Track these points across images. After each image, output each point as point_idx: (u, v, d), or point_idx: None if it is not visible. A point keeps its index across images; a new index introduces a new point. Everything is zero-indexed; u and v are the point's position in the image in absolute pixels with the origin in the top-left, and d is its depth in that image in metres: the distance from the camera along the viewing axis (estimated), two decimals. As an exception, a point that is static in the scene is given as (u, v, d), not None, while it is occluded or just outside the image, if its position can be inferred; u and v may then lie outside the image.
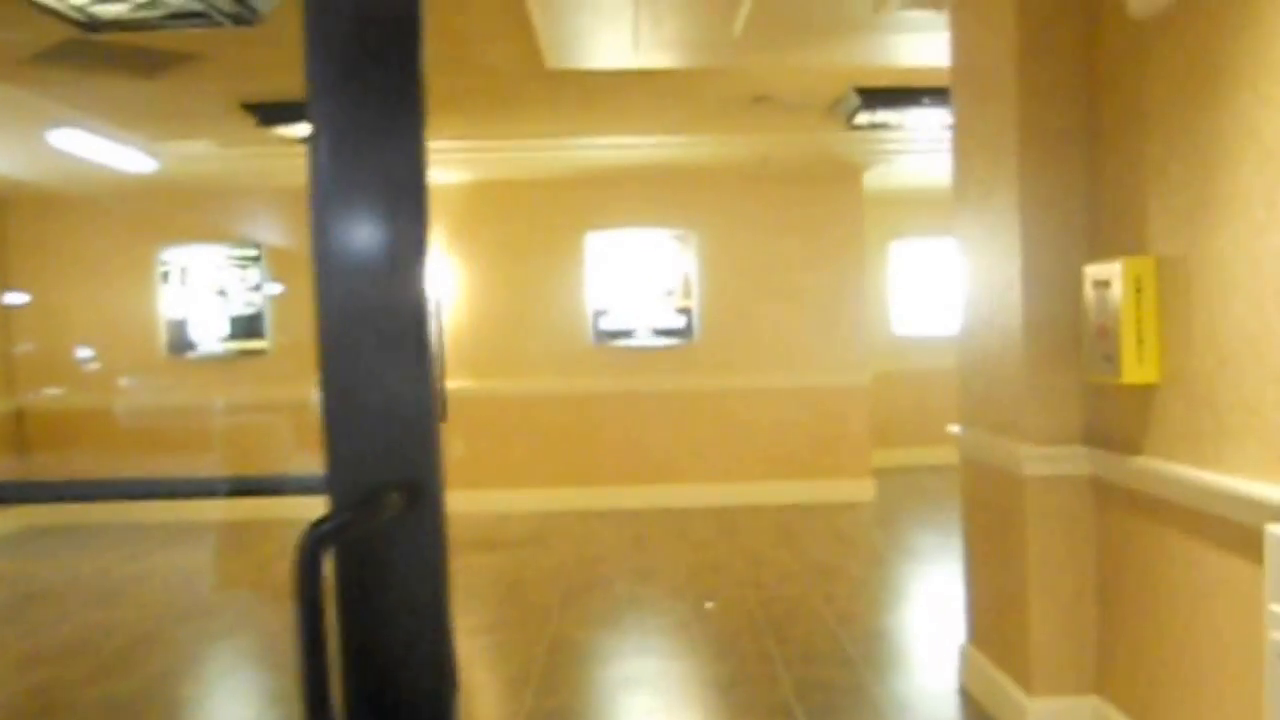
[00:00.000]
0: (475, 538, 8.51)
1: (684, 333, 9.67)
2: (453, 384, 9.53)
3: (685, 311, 9.68)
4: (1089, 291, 3.64)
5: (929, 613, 6.02)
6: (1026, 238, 3.89)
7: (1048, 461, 3.91)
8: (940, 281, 11.56)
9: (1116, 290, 3.43)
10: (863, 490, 9.54)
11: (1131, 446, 3.57)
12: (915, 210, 11.43)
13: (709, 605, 6.25)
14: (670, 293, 9.73)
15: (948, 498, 9.75)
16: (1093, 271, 3.62)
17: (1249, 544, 2.90)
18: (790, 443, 9.56)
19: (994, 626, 4.42)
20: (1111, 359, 3.47)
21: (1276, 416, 2.77)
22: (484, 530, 8.80)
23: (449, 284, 9.65)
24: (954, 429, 4.78)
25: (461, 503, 9.65)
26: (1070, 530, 3.94)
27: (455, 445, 9.50)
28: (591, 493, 9.56)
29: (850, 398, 9.59)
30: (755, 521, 8.74)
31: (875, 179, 10.02)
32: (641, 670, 5.25)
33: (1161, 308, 3.35)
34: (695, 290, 9.67)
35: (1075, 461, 3.89)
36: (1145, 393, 3.46)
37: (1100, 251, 3.73)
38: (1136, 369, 3.38)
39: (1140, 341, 3.37)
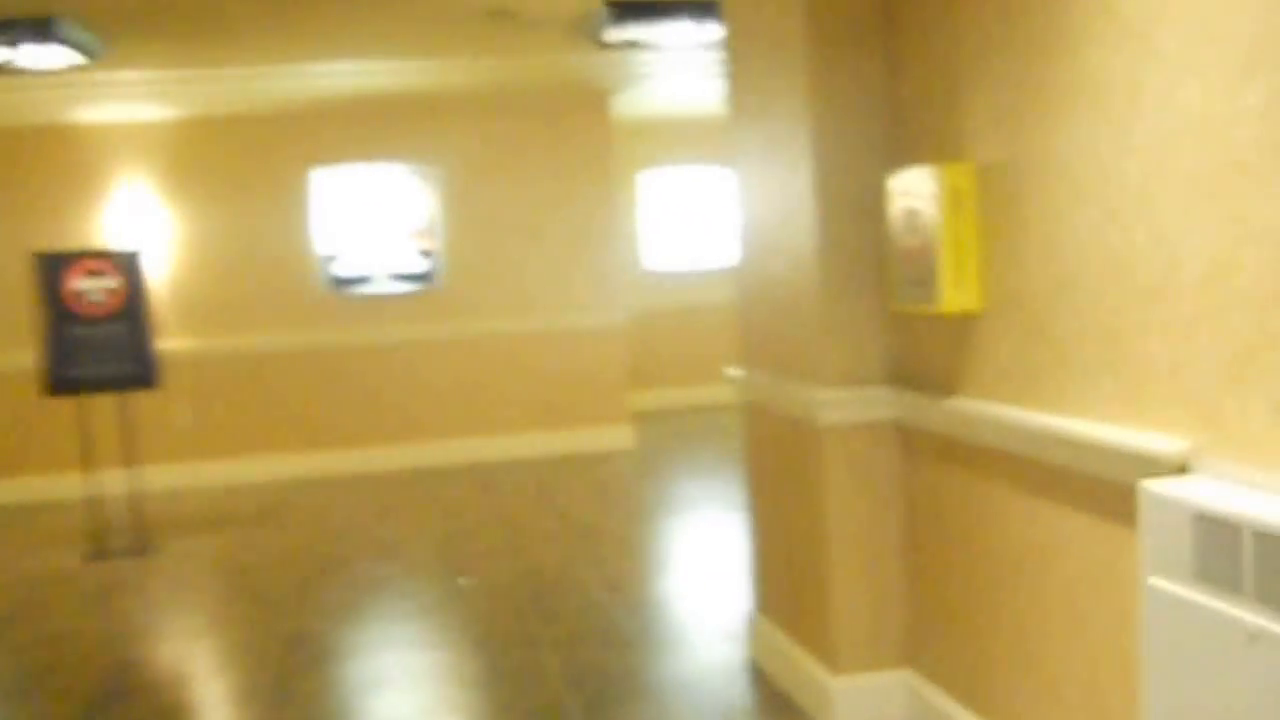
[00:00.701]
0: (200, 516, 7.48)
1: (427, 277, 8.84)
2: (171, 344, 8.38)
3: (428, 254, 8.84)
4: (895, 207, 3.11)
5: (706, 576, 5.51)
6: (818, 148, 3.33)
7: (847, 406, 3.40)
8: (697, 212, 11.13)
9: (929, 204, 2.91)
10: (621, 437, 9.02)
11: (948, 386, 3.09)
12: (667, 138, 10.92)
13: (464, 582, 5.55)
14: (411, 234, 8.85)
15: (711, 441, 9.50)
16: (899, 183, 3.09)
17: (1102, 499, 2.44)
18: (544, 391, 8.92)
19: (787, 594, 3.92)
20: (925, 285, 2.95)
21: (1143, 346, 2.30)
22: (211, 507, 7.77)
23: (159, 233, 8.44)
24: (733, 372, 4.22)
25: (186, 477, 8.54)
26: (874, 483, 3.45)
27: (178, 413, 8.38)
28: (332, 457, 8.64)
29: (604, 340, 9.02)
30: (511, 478, 8.07)
31: (624, 105, 9.42)
32: (390, 667, 4.51)
33: (984, 223, 2.85)
34: (438, 231, 8.83)
35: (879, 405, 3.39)
36: (965, 324, 2.97)
37: (907, 160, 3.21)
38: (956, 296, 2.88)
39: (959, 264, 2.87)
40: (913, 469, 3.36)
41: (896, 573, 3.47)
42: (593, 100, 8.89)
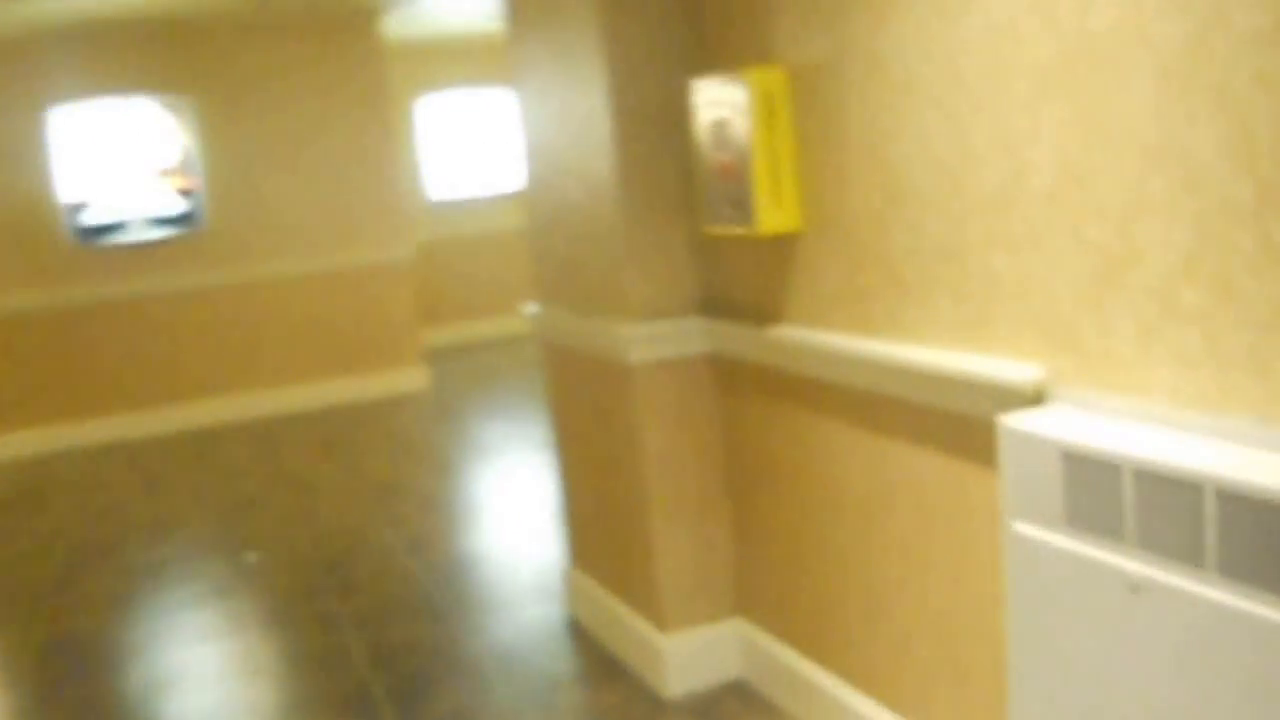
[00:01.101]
0: (-62, 506, 6.66)
1: (189, 219, 8.07)
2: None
3: (188, 194, 8.06)
4: (701, 119, 2.79)
5: (516, 530, 5.17)
6: (611, 55, 2.97)
7: (657, 341, 3.09)
8: (480, 137, 10.60)
9: (739, 115, 2.60)
10: (415, 379, 8.54)
11: (770, 315, 2.81)
12: (443, 60, 10.33)
13: (250, 558, 5.05)
14: (167, 173, 8.05)
15: (509, 378, 9.11)
16: (704, 92, 2.76)
17: (951, 435, 2.22)
18: (328, 336, 8.34)
19: (605, 547, 3.63)
20: (739, 205, 2.65)
21: (987, 263, 2.05)
22: (-48, 493, 6.94)
23: None
24: (529, 309, 3.86)
25: None
26: (692, 424, 3.17)
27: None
28: (95, 425, 7.86)
29: (390, 277, 8.48)
30: (297, 434, 7.52)
31: (395, 26, 8.79)
32: (172, 666, 4.01)
33: (802, 133, 2.56)
34: (197, 168, 8.06)
35: (692, 338, 3.10)
36: (785, 245, 2.69)
37: (712, 66, 2.89)
38: (773, 215, 2.59)
39: (775, 180, 2.58)
40: (734, 406, 3.09)
41: (722, 518, 3.22)
42: (359, 19, 8.23)
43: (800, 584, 2.91)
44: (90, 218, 7.86)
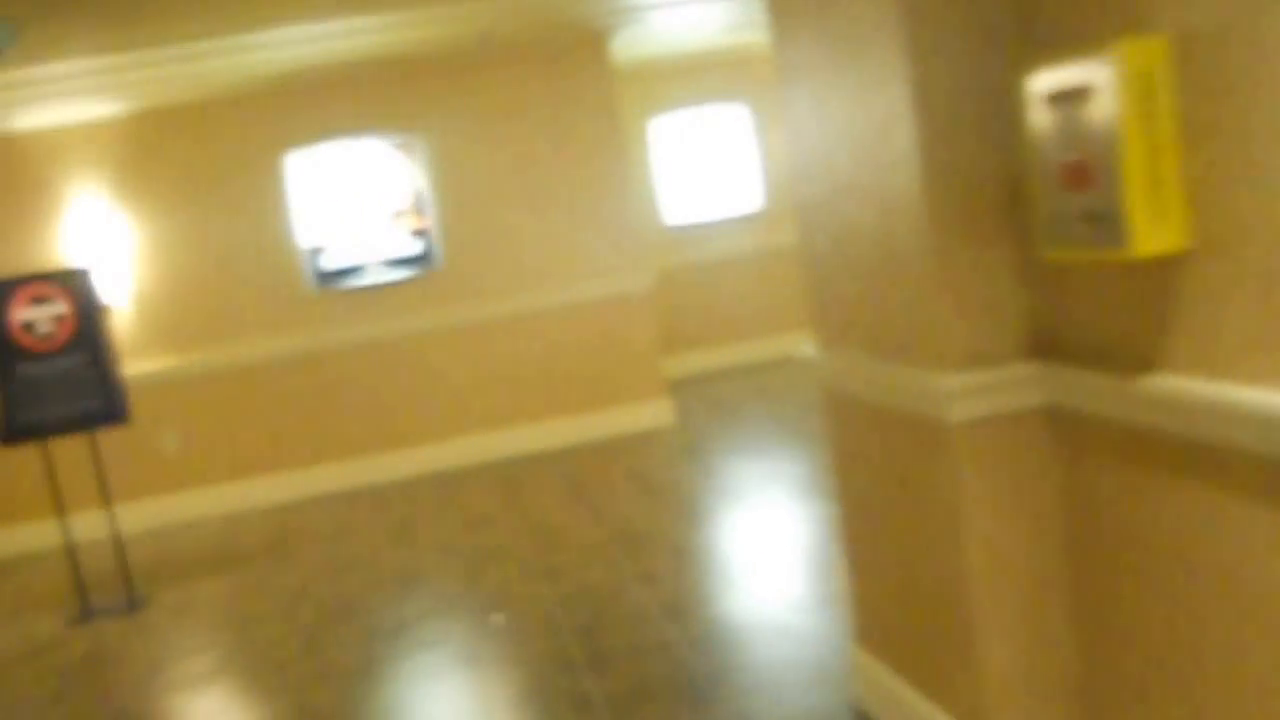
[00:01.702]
0: (195, 557, 6.66)
1: (424, 260, 7.95)
2: (147, 366, 7.55)
3: (422, 234, 7.94)
4: (1039, 114, 2.19)
5: (782, 591, 4.63)
6: (914, 45, 2.41)
7: (981, 394, 2.50)
8: (714, 157, 10.17)
9: (1102, 102, 1.99)
10: (660, 414, 8.14)
11: (1137, 360, 2.18)
12: (674, 78, 9.97)
13: (496, 620, 4.70)
14: (401, 214, 7.96)
15: (758, 409, 8.61)
16: (1047, 79, 2.17)
17: None
18: (569, 371, 8.04)
19: (904, 631, 3.05)
20: (1101, 219, 2.04)
21: None
22: (207, 543, 6.95)
23: (119, 245, 7.57)
24: (805, 352, 3.33)
25: (177, 510, 7.62)
26: (1025, 493, 2.56)
27: (164, 441, 7.57)
28: (338, 470, 7.81)
29: (631, 307, 8.12)
30: (540, 475, 7.22)
31: (624, 48, 8.47)
32: (413, 753, 3.68)
33: (1188, 124, 1.94)
34: (430, 207, 7.93)
35: (1025, 389, 2.50)
36: (1165, 269, 2.06)
37: (1051, 46, 2.29)
38: (1154, 231, 1.97)
39: (1156, 185, 1.96)
40: (1081, 473, 2.46)
41: (1063, 612, 2.59)
42: (588, 43, 7.93)
43: (1176, 708, 2.25)
44: (329, 262, 7.84)
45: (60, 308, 5.68)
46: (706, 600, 4.60)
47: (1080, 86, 2.04)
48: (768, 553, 5.08)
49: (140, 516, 7.52)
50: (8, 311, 5.62)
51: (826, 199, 3.00)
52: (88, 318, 5.72)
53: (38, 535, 7.23)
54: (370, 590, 5.41)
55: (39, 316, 5.66)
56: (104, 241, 7.49)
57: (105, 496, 5.84)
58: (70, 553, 5.83)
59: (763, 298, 10.24)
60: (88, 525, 6.84)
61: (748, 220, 10.21)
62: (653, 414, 8.12)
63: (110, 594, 5.95)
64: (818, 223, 3.11)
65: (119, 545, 5.89)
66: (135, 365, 7.51)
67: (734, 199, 10.19)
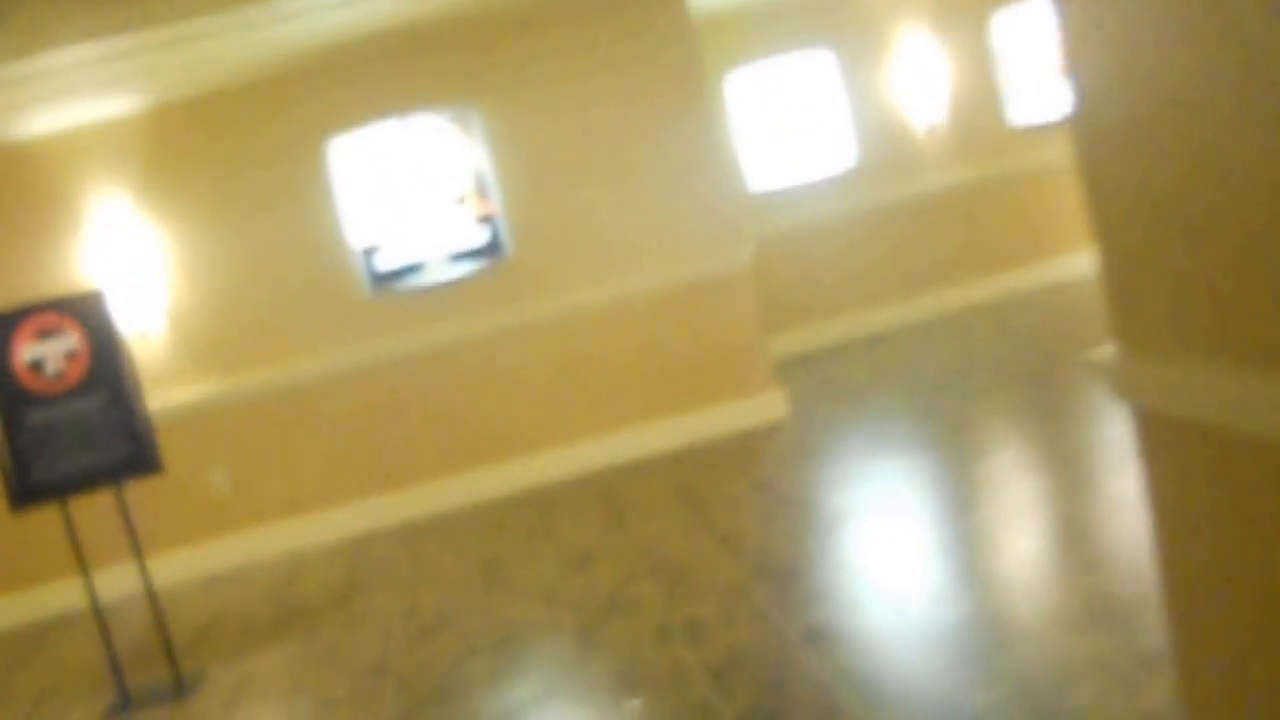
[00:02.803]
0: (252, 614, 5.74)
1: (492, 250, 6.95)
2: (186, 395, 6.64)
3: (488, 220, 6.94)
4: None
5: (1043, 652, 3.56)
6: None
7: None
8: (799, 112, 9.06)
9: None
10: (773, 406, 7.08)
11: None
12: (749, 26, 8.87)
13: (634, 705, 3.70)
14: (463, 200, 6.96)
15: (870, 395, 7.29)
16: None
17: None
18: (666, 365, 7.01)
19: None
20: None
21: None
22: (273, 590, 6.04)
23: (152, 259, 6.66)
24: (1105, 355, 2.26)
25: (238, 553, 5.60)
26: None
27: (214, 478, 6.67)
28: (412, 496, 6.86)
29: (730, 288, 7.06)
30: (647, 489, 6.21)
31: (700, -10, 7.41)
32: None
33: None
34: (495, 189, 6.93)
35: None
36: None
37: None
38: None
39: None
40: None
41: None
42: (660, -11, 6.88)
43: None
44: (385, 261, 6.87)
45: (71, 340, 4.75)
46: (881, 665, 3.55)
47: None
48: (969, 596, 4.00)
49: (188, 565, 6.62)
50: (11, 350, 4.70)
51: (1152, 120, 1.92)
52: (104, 350, 4.77)
53: (68, 595, 6.35)
54: (464, 662, 4.42)
55: (47, 353, 4.73)
56: (130, 256, 6.57)
57: (138, 554, 4.90)
58: (102, 624, 4.90)
59: (863, 264, 9.14)
60: (122, 582, 5.94)
61: (841, 180, 9.11)
62: (764, 408, 7.07)
63: (153, 670, 5.03)
64: (1128, 163, 2.02)
65: (158, 611, 4.95)
66: (172, 395, 6.60)
67: (823, 157, 9.08)
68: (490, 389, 6.92)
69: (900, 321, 9.15)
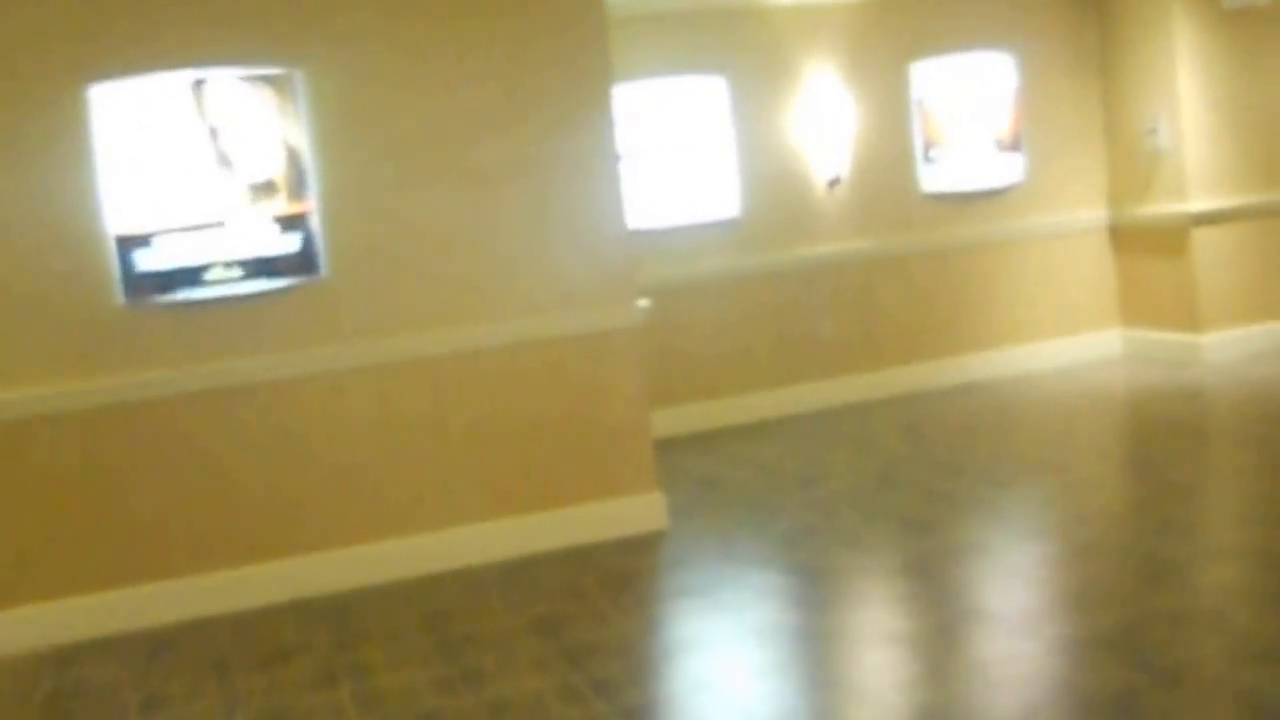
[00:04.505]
0: None
1: (301, 264, 5.10)
2: None
3: (298, 223, 5.10)
4: None
5: None
6: None
7: None
8: (685, 141, 7.59)
9: None
10: (652, 513, 5.49)
11: None
12: (637, 38, 7.38)
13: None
14: (267, 189, 5.09)
15: (761, 498, 5.86)
16: None
17: None
18: (519, 445, 5.31)
19: None
20: None
21: None
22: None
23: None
24: None
25: None
26: None
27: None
28: (152, 596, 4.89)
29: (613, 351, 5.45)
30: (494, 615, 4.49)
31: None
32: None
33: None
34: (313, 181, 5.10)
35: None
36: None
37: None
38: None
39: None
40: None
41: None
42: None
43: None
44: (150, 260, 4.91)
45: None
46: None
47: None
48: None
49: None
50: None
51: None
52: None
53: None
54: None
55: None
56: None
57: None
58: None
59: (740, 337, 7.73)
60: None
61: (718, 232, 7.69)
62: (642, 513, 5.48)
63: None
64: None
65: None
66: None
67: (701, 203, 7.65)
68: (278, 453, 5.05)
69: (783, 411, 7.75)
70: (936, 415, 7.34)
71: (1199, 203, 7.99)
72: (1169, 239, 8.16)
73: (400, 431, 5.15)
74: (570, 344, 5.36)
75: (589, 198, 5.39)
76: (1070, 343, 8.55)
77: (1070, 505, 5.29)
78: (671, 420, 7.30)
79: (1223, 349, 8.02)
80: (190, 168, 4.93)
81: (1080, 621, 3.91)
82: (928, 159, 8.07)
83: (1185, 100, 7.93)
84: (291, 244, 5.09)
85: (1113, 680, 3.42)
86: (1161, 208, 8.18)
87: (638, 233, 7.33)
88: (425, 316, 5.17)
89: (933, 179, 8.10)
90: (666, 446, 6.43)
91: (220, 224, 4.97)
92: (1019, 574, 4.55)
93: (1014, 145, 8.28)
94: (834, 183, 7.84)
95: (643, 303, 5.49)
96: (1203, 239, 8.01)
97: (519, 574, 5.01)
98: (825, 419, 7.56)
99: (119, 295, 4.82)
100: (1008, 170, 8.28)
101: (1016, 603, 4.23)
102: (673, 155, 7.55)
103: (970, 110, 8.14)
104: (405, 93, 5.13)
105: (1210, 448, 6.17)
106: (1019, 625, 3.97)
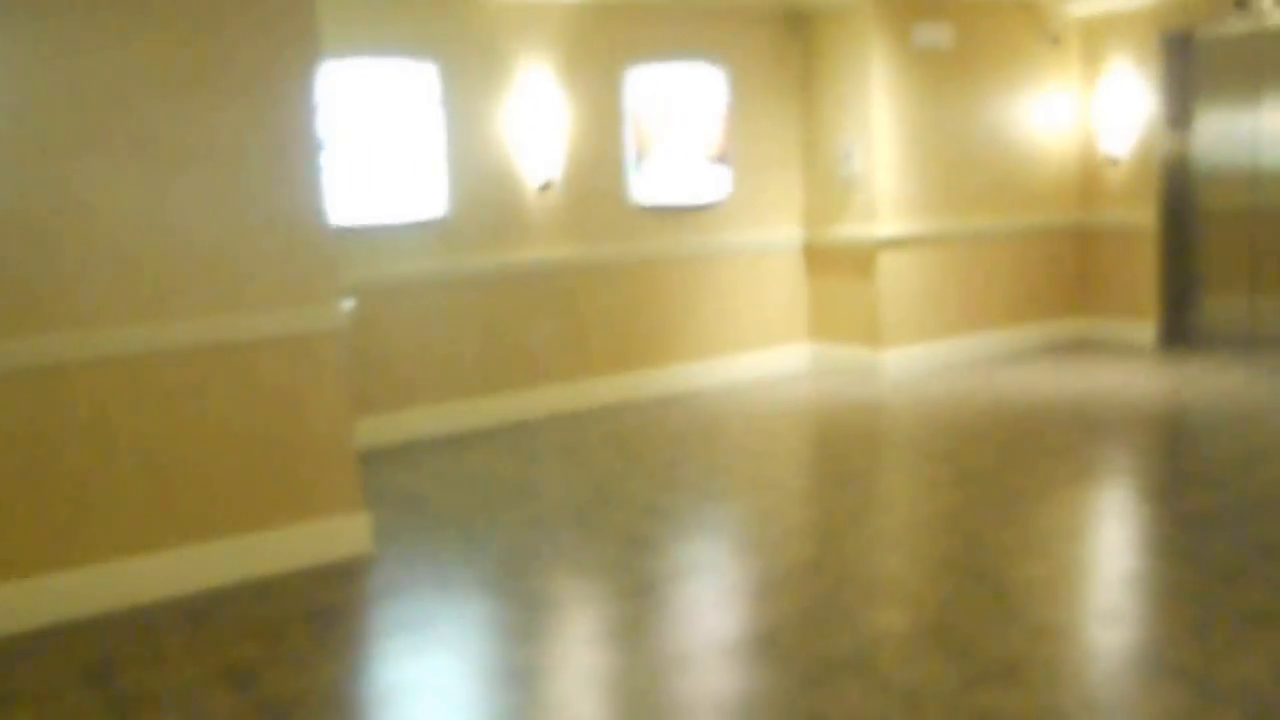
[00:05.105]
0: None
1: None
2: None
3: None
4: None
5: None
6: None
7: None
8: (393, 130, 7.06)
9: None
10: (354, 535, 4.97)
11: None
12: (348, 12, 6.81)
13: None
14: None
15: (468, 515, 5.43)
16: None
17: None
18: (200, 460, 4.65)
19: None
20: None
21: None
22: None
23: None
24: None
25: None
26: None
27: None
28: None
29: (312, 355, 4.88)
30: (175, 660, 3.85)
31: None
32: None
33: None
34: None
35: None
36: None
37: None
38: None
39: None
40: None
41: None
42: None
43: None
44: None
45: None
46: None
47: None
48: None
49: None
50: None
51: None
52: None
53: None
54: None
55: None
56: None
57: None
58: None
59: (447, 342, 7.31)
60: None
61: (425, 232, 7.24)
62: (343, 536, 4.94)
63: None
64: None
65: None
66: None
67: (408, 200, 7.17)
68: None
69: (490, 421, 7.38)
70: (645, 426, 7.20)
71: (885, 227, 8.32)
72: (857, 260, 8.46)
73: (54, 447, 4.37)
74: (264, 348, 4.76)
75: (287, 184, 4.81)
76: (766, 356, 8.70)
77: (786, 519, 5.25)
78: (372, 430, 6.78)
79: (900, 365, 8.42)
80: None
81: (818, 644, 3.78)
82: (638, 168, 7.94)
83: (877, 129, 8.24)
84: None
85: (858, 708, 3.29)
86: (852, 230, 8.46)
87: (339, 229, 6.80)
88: (87, 312, 4.42)
89: (643, 189, 7.98)
90: (367, 460, 5.91)
91: None
92: (748, 594, 4.41)
93: (723, 160, 8.32)
94: (545, 186, 7.56)
95: (348, 304, 4.98)
96: (887, 262, 8.34)
97: (203, 612, 4.36)
98: (534, 429, 7.27)
99: None
100: (716, 185, 8.29)
101: (750, 626, 4.06)
102: (378, 146, 7.02)
103: (683, 122, 8.10)
104: (53, 42, 4.36)
105: (905, 460, 6.34)
106: (757, 651, 3.80)
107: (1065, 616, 3.95)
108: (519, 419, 7.47)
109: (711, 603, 4.36)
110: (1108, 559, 4.67)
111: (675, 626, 4.10)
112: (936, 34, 8.40)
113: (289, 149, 4.79)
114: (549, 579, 4.65)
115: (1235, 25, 8.33)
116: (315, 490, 4.88)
